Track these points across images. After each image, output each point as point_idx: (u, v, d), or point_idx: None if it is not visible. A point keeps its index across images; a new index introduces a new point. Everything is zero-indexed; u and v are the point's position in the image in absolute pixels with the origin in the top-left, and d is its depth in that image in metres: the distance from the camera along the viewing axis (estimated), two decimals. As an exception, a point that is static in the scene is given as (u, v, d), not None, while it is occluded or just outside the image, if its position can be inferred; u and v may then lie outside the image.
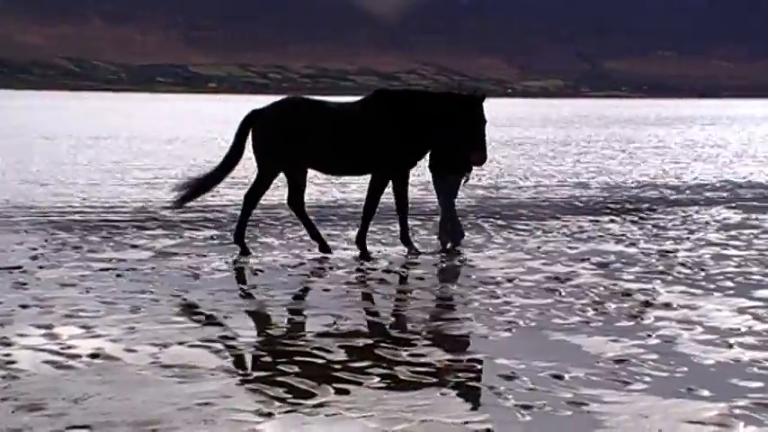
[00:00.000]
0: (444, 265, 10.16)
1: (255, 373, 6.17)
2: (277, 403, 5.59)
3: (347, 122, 10.47)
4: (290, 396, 5.72)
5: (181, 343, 6.85)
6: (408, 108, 10.54)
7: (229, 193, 15.59)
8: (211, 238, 11.71)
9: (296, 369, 6.25)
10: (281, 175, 10.72)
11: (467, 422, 5.30)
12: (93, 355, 6.49)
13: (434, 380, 6.06)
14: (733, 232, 12.42)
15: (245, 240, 10.62)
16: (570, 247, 11.22)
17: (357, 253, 10.59)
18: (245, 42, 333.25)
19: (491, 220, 13.56)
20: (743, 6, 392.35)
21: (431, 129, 10.55)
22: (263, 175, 10.59)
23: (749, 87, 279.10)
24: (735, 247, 11.25)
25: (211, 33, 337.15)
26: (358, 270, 9.74)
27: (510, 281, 9.31)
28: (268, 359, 6.53)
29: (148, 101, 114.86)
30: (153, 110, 77.03)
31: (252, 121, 10.55)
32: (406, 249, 10.74)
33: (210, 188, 10.92)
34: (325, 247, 10.63)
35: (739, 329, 7.33)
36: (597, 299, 8.46)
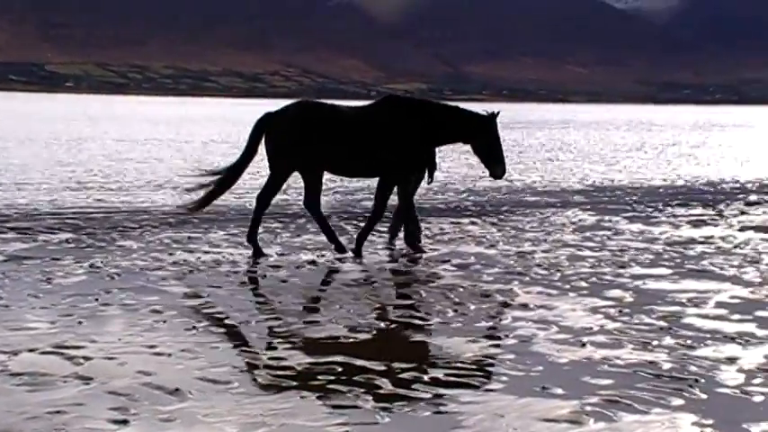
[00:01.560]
0: (307, 268, 10.13)
1: (110, 381, 6.00)
2: (132, 410, 5.46)
3: (362, 126, 10.73)
4: (146, 402, 5.60)
5: (32, 350, 6.62)
6: (425, 114, 10.92)
7: (85, 195, 15.18)
8: (66, 241, 11.37)
9: (152, 375, 6.12)
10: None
11: (326, 425, 5.30)
12: (-62, 365, 6.21)
13: (295, 383, 6.03)
14: (588, 234, 12.80)
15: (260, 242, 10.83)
16: (431, 249, 11.35)
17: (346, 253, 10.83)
18: (103, 41, 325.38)
19: (354, 222, 13.60)
20: (593, 13, 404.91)
21: (444, 137, 11.05)
22: (276, 176, 10.77)
23: (601, 93, 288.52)
24: (589, 248, 11.59)
25: (68, 31, 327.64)
26: (220, 274, 9.62)
27: (371, 283, 9.36)
28: (123, 365, 6.36)
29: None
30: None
31: (266, 124, 10.69)
32: (412, 250, 11.12)
33: (224, 191, 11.01)
34: (340, 248, 10.84)
35: (592, 328, 7.55)
36: (457, 300, 8.58)
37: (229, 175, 10.89)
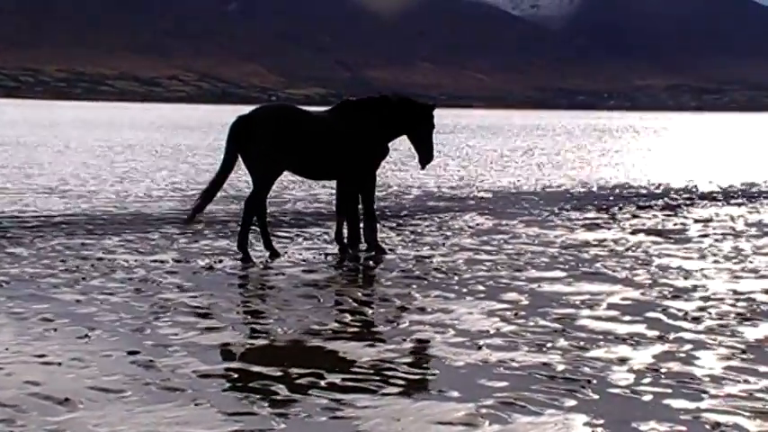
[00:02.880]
0: (204, 274, 9.99)
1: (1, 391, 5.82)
2: (19, 422, 5.30)
3: (327, 129, 11.01)
4: (34, 413, 5.44)
5: None
6: (376, 114, 11.33)
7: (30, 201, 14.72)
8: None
9: (41, 385, 5.94)
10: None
11: (221, 433, 5.23)
12: None
13: (189, 391, 5.93)
14: (485, 237, 12.93)
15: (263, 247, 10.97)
16: (330, 254, 11.33)
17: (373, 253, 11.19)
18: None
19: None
20: (491, 20, 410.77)
21: (394, 132, 11.57)
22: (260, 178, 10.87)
23: (499, 98, 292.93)
24: (486, 251, 11.72)
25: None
26: (114, 280, 9.41)
27: (269, 288, 9.29)
28: (10, 376, 6.16)
29: None
30: None
31: (242, 126, 10.69)
32: (351, 250, 11.31)
33: (213, 197, 11.06)
34: (274, 252, 10.93)
35: (488, 331, 7.62)
36: (355, 304, 8.57)
37: (216, 181, 10.92)
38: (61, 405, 5.60)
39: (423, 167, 12.11)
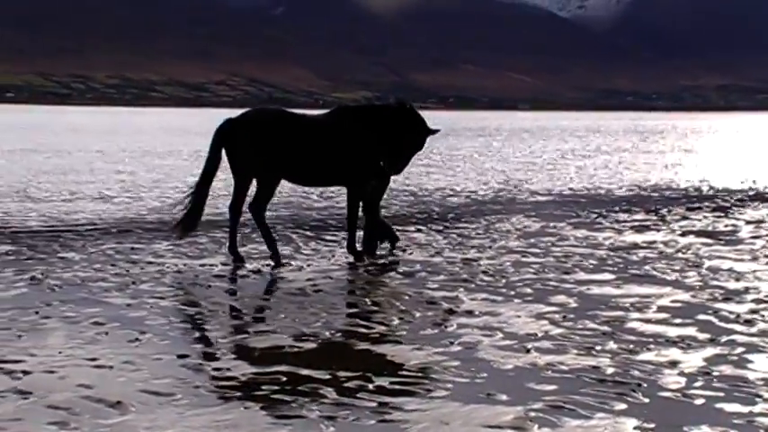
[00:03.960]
0: (252, 277, 10.06)
1: (50, 395, 5.90)
2: (73, 424, 5.37)
3: (322, 134, 10.91)
4: (86, 416, 5.51)
5: (-31, 365, 6.49)
6: (375, 120, 11.22)
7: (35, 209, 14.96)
8: (6, 253, 11.18)
9: (93, 388, 6.02)
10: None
11: (271, 436, 5.26)
12: None
13: (239, 394, 5.98)
14: (532, 240, 12.87)
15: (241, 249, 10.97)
16: (377, 257, 11.34)
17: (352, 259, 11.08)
18: (44, 50, 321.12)
19: (299, 230, 13.55)
20: (536, 22, 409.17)
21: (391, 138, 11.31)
22: (245, 182, 10.87)
23: (543, 100, 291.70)
24: (534, 254, 11.66)
25: (8, 40, 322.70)
26: (163, 284, 9.52)
27: (317, 291, 9.32)
28: (64, 379, 6.26)
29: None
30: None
31: (228, 130, 10.66)
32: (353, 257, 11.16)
33: (202, 205, 10.90)
34: (277, 259, 10.75)
35: (536, 334, 7.59)
36: (403, 308, 8.58)
37: (200, 189, 10.86)
38: (113, 408, 5.66)
39: (398, 173, 11.76)
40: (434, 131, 11.68)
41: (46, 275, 9.76)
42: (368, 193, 11.45)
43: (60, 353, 6.87)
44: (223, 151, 10.81)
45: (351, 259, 11.15)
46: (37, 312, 8.12)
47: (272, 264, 10.66)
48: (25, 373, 6.36)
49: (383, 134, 11.20)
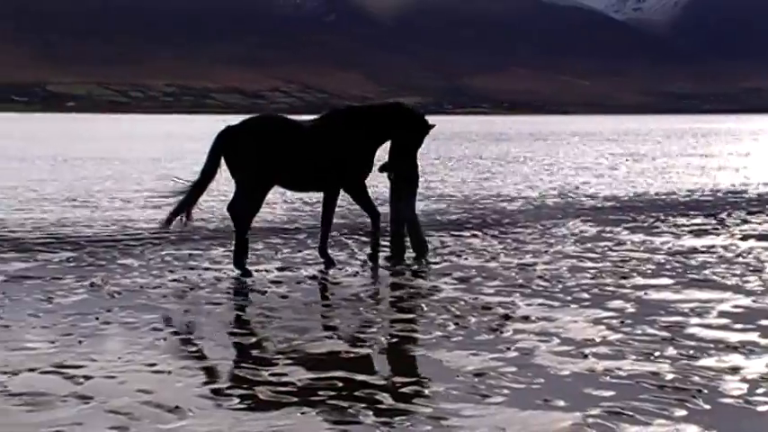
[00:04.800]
0: (308, 283, 10.10)
1: (110, 399, 5.97)
2: (132, 429, 5.43)
3: (317, 139, 10.84)
4: (146, 421, 5.57)
5: (31, 370, 6.59)
6: (367, 121, 11.19)
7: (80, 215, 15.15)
8: (67, 260, 11.35)
9: (152, 393, 6.09)
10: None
11: (327, 441, 5.27)
12: (-63, 386, 6.18)
13: (295, 399, 6.00)
14: (589, 245, 12.75)
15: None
16: (432, 263, 11.32)
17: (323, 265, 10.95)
18: (103, 59, 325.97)
19: (355, 236, 13.58)
20: (593, 24, 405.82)
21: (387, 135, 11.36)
22: (241, 189, 10.75)
23: (600, 103, 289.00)
24: (590, 259, 11.56)
25: (68, 50, 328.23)
26: (220, 291, 9.59)
27: (372, 297, 9.33)
28: (123, 384, 6.33)
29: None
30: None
31: (229, 137, 10.63)
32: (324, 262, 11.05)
33: (191, 207, 10.83)
34: (240, 266, 10.56)
35: (594, 340, 7.51)
36: (458, 313, 8.54)
37: (194, 192, 10.79)
38: (171, 413, 5.72)
39: (381, 170, 11.77)
40: (430, 126, 11.54)
41: (106, 282, 9.89)
42: (401, 211, 11.59)
43: (120, 358, 6.96)
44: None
45: (372, 263, 11.16)
46: (97, 318, 8.24)
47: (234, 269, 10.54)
48: (86, 378, 6.45)
49: (372, 133, 11.16)
